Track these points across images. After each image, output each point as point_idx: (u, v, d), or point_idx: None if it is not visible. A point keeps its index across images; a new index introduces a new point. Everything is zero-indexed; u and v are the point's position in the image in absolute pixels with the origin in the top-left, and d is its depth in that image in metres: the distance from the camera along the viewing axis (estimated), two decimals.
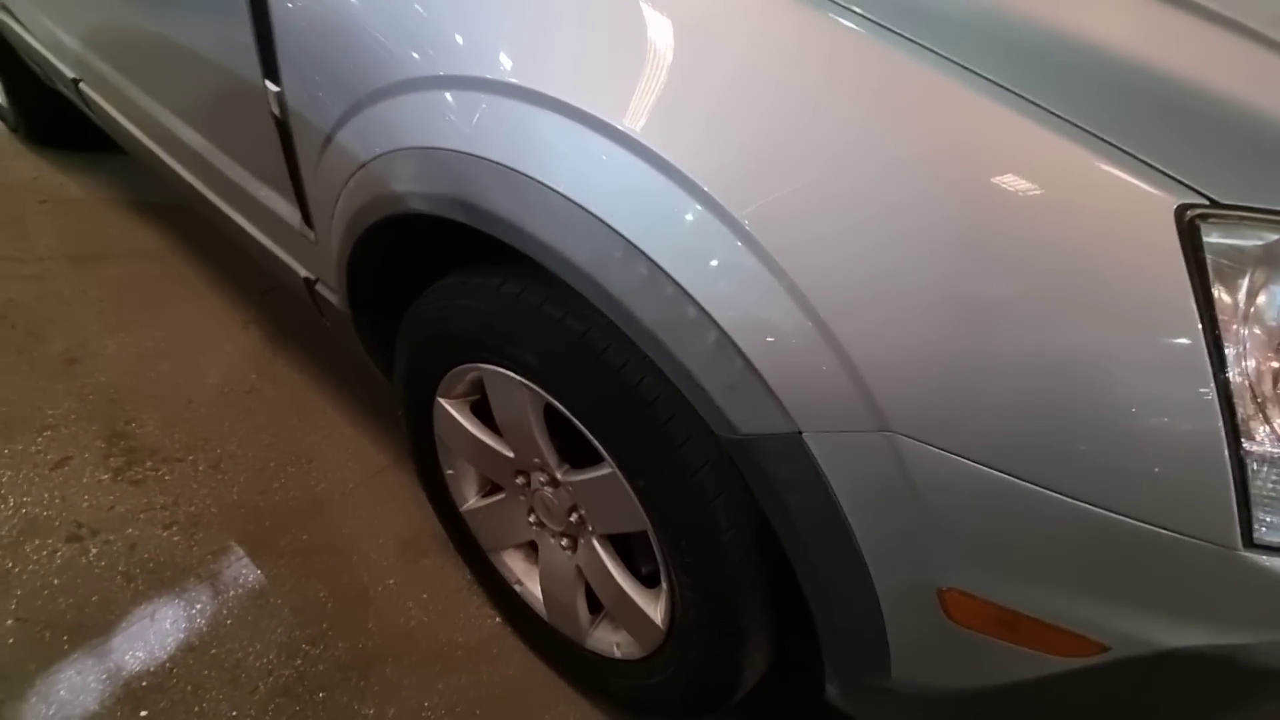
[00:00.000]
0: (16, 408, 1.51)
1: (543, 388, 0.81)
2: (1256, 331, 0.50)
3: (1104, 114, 0.52)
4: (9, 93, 2.28)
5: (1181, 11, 0.59)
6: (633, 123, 0.63)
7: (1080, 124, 0.52)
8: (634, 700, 1.02)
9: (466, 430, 0.98)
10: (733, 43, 0.61)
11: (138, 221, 2.09)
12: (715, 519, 0.73)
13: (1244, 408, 0.50)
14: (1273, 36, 0.58)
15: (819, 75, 0.58)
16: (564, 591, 1.00)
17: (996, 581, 0.61)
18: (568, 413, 0.80)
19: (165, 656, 1.12)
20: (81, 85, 1.66)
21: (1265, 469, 0.51)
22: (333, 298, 1.13)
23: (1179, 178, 0.50)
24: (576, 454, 0.86)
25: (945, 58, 0.55)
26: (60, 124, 2.22)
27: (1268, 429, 0.50)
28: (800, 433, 0.62)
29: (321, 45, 0.86)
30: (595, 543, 0.92)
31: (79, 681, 1.09)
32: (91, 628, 1.15)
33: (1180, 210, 0.49)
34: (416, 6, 0.76)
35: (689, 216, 0.61)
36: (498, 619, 1.19)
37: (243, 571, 1.25)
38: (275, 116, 0.98)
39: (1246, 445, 0.50)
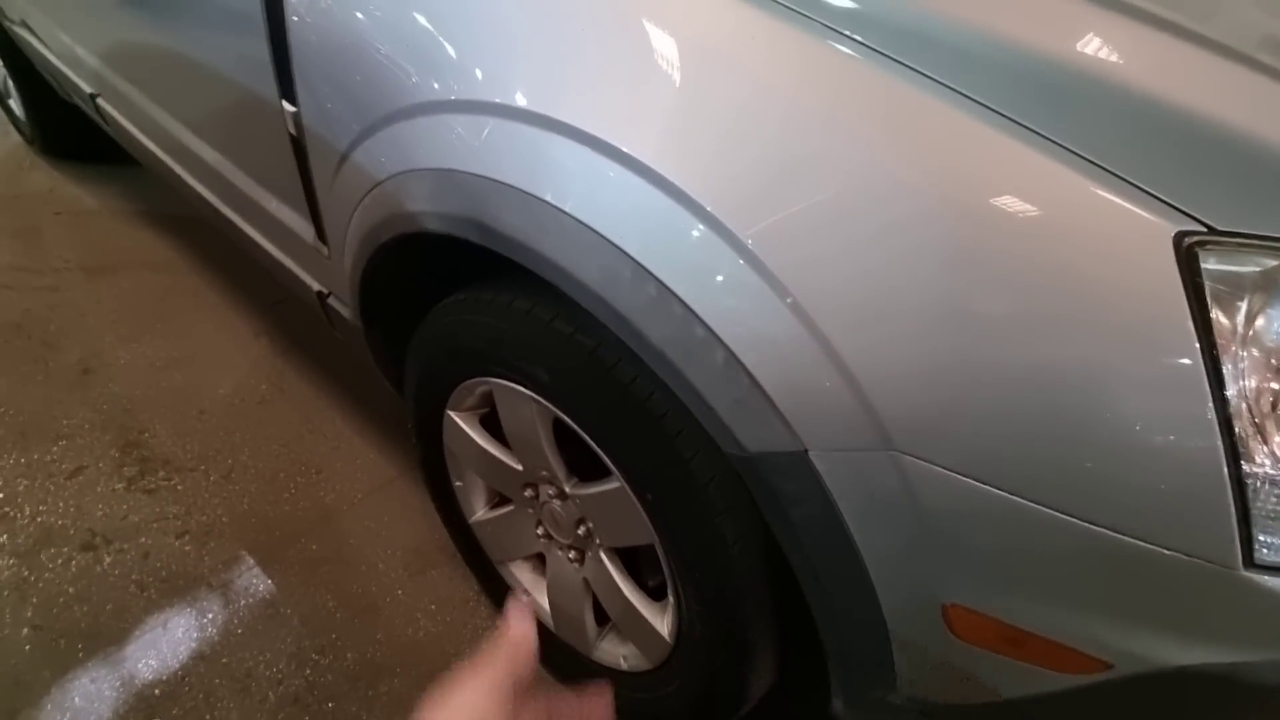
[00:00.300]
0: (32, 417, 1.53)
1: (552, 402, 0.82)
2: (1255, 354, 0.51)
3: (1102, 140, 0.53)
4: (27, 106, 2.32)
5: (1176, 38, 0.60)
6: (641, 147, 0.64)
7: (1079, 151, 0.53)
8: (640, 713, 1.02)
9: (476, 443, 0.99)
10: (737, 71, 0.62)
11: (151, 233, 2.12)
12: (722, 533, 0.74)
13: (1243, 429, 0.50)
14: (1266, 61, 0.59)
15: (821, 101, 0.60)
16: (571, 603, 1.01)
17: (1001, 598, 0.61)
18: (576, 427, 0.81)
19: (178, 665, 1.13)
20: (99, 100, 1.69)
21: (1265, 490, 0.51)
22: (345, 311, 1.14)
23: (1177, 205, 0.51)
24: (585, 467, 0.87)
25: (947, 86, 0.56)
26: (75, 137, 2.26)
27: (1267, 450, 0.51)
28: (806, 451, 0.62)
29: (338, 68, 0.88)
30: (603, 555, 0.93)
31: (94, 689, 1.10)
32: (106, 636, 1.16)
33: (1179, 237, 0.50)
34: (433, 33, 0.78)
35: (695, 236, 0.62)
36: None
37: (253, 581, 1.26)
38: (291, 135, 1.00)
39: (1246, 466, 0.51)
